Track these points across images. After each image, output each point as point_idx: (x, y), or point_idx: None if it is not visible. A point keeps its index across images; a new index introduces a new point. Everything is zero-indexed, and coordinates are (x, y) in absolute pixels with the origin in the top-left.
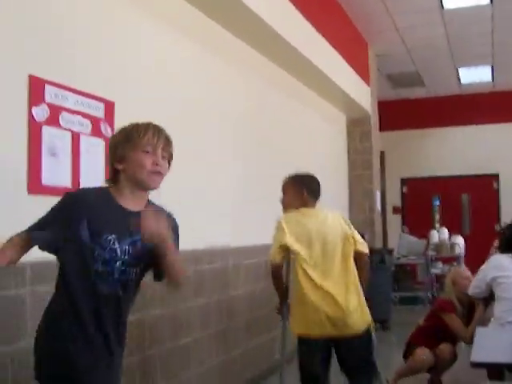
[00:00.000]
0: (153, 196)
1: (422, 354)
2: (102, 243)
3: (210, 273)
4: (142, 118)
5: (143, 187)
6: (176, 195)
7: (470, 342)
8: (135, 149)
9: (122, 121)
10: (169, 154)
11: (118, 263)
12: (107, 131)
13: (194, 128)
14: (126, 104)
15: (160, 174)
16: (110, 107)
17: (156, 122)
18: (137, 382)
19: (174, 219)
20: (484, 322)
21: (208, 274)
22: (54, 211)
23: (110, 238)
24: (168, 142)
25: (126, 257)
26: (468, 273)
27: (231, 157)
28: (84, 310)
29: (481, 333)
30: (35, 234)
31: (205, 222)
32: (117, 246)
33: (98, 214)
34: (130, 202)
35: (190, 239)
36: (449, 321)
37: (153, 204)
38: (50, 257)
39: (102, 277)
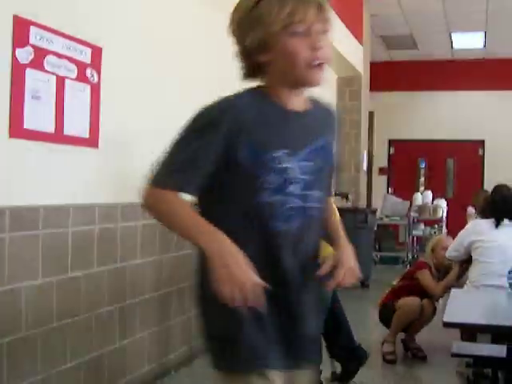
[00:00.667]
0: None
1: (412, 301)
2: (267, 163)
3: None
4: (130, 65)
5: (302, 85)
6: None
7: (439, 296)
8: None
9: (109, 67)
10: (327, 23)
11: (293, 187)
12: (93, 77)
13: (182, 72)
14: (114, 50)
15: (323, 64)
16: (97, 52)
17: (144, 69)
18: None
19: (333, 111)
20: (460, 285)
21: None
22: (193, 143)
23: (278, 154)
24: (322, 7)
25: (306, 176)
26: (449, 243)
27: None
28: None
29: (455, 294)
30: (184, 186)
31: None
32: (289, 164)
33: (256, 125)
34: (289, 100)
35: None
36: (420, 276)
37: (313, 99)
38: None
39: (273, 210)
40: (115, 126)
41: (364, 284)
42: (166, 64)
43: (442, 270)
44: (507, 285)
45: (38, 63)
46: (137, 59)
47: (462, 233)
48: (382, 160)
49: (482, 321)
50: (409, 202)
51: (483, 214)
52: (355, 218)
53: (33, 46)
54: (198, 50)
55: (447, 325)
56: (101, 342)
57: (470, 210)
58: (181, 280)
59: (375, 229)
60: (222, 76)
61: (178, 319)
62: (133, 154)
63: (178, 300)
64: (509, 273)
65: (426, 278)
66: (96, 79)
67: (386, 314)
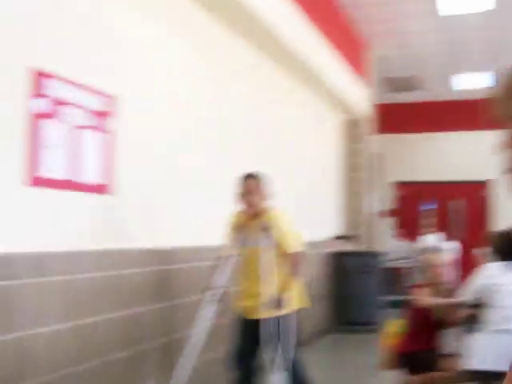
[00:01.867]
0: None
1: None
2: None
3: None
4: (146, 114)
5: None
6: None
7: (435, 308)
8: None
9: (125, 116)
10: None
11: None
12: (109, 126)
13: (199, 122)
14: (130, 99)
15: None
16: (112, 102)
17: (160, 118)
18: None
19: None
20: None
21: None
22: None
23: None
24: None
25: None
26: (438, 261)
27: (227, 155)
28: None
29: (474, 339)
30: None
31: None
32: None
33: None
34: None
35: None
36: (418, 296)
37: None
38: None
39: None
40: (131, 174)
41: (371, 328)
42: (183, 113)
43: (438, 292)
44: None
45: (54, 113)
46: (153, 108)
47: (474, 276)
48: (388, 202)
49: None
50: (416, 245)
51: (495, 256)
52: (364, 261)
53: (49, 97)
54: (215, 100)
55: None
56: None
57: (479, 250)
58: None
59: (382, 272)
60: (235, 134)
61: None
62: (148, 202)
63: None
64: None
65: (421, 294)
66: (112, 128)
67: (409, 362)
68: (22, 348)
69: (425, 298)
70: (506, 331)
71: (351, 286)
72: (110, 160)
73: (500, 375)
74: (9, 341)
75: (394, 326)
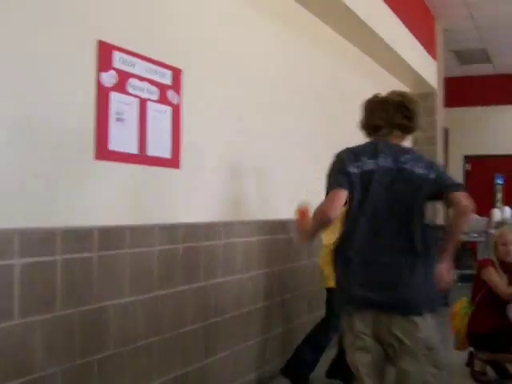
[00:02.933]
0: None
1: None
2: None
3: (274, 243)
4: (209, 87)
5: None
6: (255, 168)
7: (509, 298)
8: None
9: (189, 89)
10: None
11: None
12: (174, 99)
13: (262, 103)
14: (194, 71)
15: None
16: (177, 74)
17: (224, 90)
18: (200, 349)
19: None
20: None
21: (271, 245)
22: None
23: None
24: None
25: None
26: (510, 238)
27: (301, 134)
28: None
29: None
30: None
31: (274, 193)
32: None
33: None
34: None
35: (257, 210)
36: (485, 275)
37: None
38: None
39: None
40: (196, 147)
41: (444, 302)
42: (245, 86)
43: (508, 268)
44: None
45: (121, 86)
46: (216, 80)
47: None
48: (457, 176)
49: None
50: (487, 219)
51: None
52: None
53: (116, 70)
54: (277, 72)
55: None
56: (186, 360)
57: None
58: (262, 299)
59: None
60: (304, 112)
61: (259, 338)
62: (212, 175)
63: (259, 319)
64: None
65: (491, 277)
66: (177, 101)
67: (478, 341)
68: (101, 319)
69: (493, 278)
70: None
71: None
72: (176, 134)
73: None
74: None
75: (461, 304)
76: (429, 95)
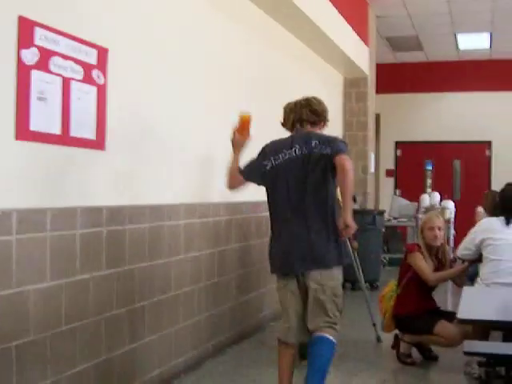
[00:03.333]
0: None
1: (454, 334)
2: None
3: (202, 227)
4: (135, 68)
5: None
6: (178, 148)
7: (433, 284)
8: None
9: (115, 68)
10: None
11: None
12: (99, 78)
13: (188, 84)
14: (121, 51)
15: None
16: (103, 54)
17: (151, 70)
18: (124, 333)
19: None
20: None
21: (200, 228)
22: None
23: None
24: None
25: None
26: (436, 223)
27: (230, 117)
28: None
29: (467, 291)
30: None
31: (201, 175)
32: None
33: None
34: None
35: (184, 192)
36: (412, 260)
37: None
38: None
39: None
40: (122, 127)
41: (373, 286)
42: (173, 65)
43: (433, 253)
44: None
45: (43, 64)
46: (143, 60)
47: (472, 231)
48: (389, 162)
49: (496, 317)
50: (416, 204)
51: (493, 212)
52: (363, 220)
53: (38, 47)
54: (201, 50)
55: (462, 321)
56: (110, 345)
57: (480, 209)
58: (188, 283)
59: (383, 230)
60: (224, 79)
61: (187, 322)
62: (139, 156)
63: (186, 303)
64: None
65: (417, 262)
66: (102, 81)
67: (403, 323)
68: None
69: (419, 263)
70: (502, 284)
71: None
72: (101, 114)
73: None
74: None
75: (390, 287)
76: (361, 81)
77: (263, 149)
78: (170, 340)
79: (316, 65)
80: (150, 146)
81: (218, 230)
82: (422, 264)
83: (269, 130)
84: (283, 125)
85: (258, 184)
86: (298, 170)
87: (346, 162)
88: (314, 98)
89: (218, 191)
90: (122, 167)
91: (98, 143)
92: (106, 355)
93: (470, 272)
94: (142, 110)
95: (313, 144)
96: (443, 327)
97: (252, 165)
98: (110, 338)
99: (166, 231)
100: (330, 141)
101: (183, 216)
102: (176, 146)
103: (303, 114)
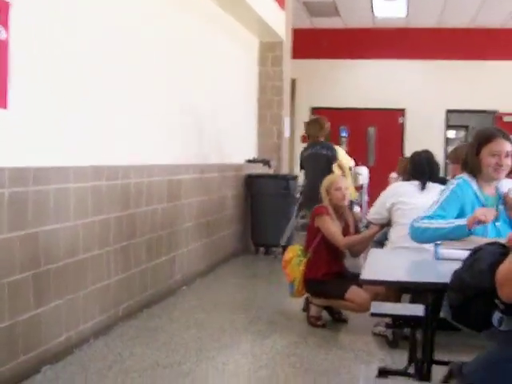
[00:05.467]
0: None
1: (364, 300)
2: None
3: (110, 189)
4: (43, 23)
5: None
6: (92, 110)
7: (344, 249)
8: None
9: (19, 24)
10: None
11: None
12: (1, 33)
13: (98, 40)
14: (25, 6)
15: None
16: (4, 8)
17: (57, 27)
18: (30, 299)
19: None
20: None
21: (108, 191)
22: None
23: None
24: None
25: None
26: (342, 183)
27: (140, 80)
28: None
29: (373, 253)
30: None
31: (109, 137)
32: None
33: None
34: None
35: (92, 154)
36: (320, 224)
37: None
38: None
39: None
40: (27, 85)
41: (285, 249)
42: (81, 22)
43: (340, 214)
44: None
45: None
46: (49, 16)
47: (383, 194)
48: (304, 127)
49: (399, 278)
50: None
51: (407, 176)
52: (277, 185)
53: None
54: (115, 12)
55: (365, 282)
56: (13, 310)
57: (393, 175)
58: (96, 247)
59: (297, 196)
60: (145, 58)
61: (96, 286)
62: (45, 115)
63: (93, 267)
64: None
65: (325, 225)
66: (4, 36)
67: (314, 288)
68: None
69: (329, 227)
70: (409, 248)
71: (266, 208)
72: (3, 71)
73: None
74: None
75: (293, 252)
76: (277, 45)
77: None
78: (77, 304)
79: (231, 28)
80: (57, 106)
81: (127, 193)
82: (331, 228)
83: (176, 91)
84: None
85: None
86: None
87: None
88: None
89: (126, 153)
90: (26, 126)
91: (0, 101)
92: (9, 321)
93: (379, 237)
94: (48, 67)
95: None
96: (354, 293)
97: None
98: (14, 303)
99: (72, 193)
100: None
101: (91, 178)
102: (85, 104)
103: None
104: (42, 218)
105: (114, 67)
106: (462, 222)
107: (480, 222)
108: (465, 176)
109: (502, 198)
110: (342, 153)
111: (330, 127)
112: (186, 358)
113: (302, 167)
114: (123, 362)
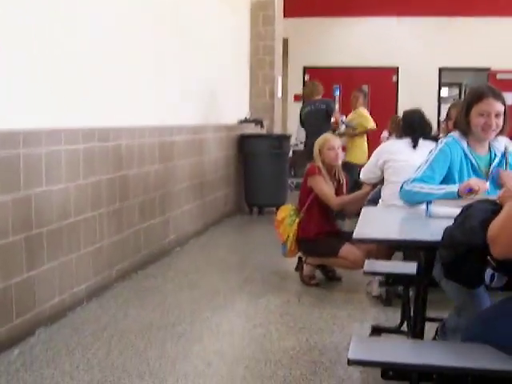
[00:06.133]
0: None
1: (358, 257)
2: None
3: (102, 151)
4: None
5: None
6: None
7: (337, 208)
8: None
9: None
10: None
11: None
12: None
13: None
14: None
15: None
16: None
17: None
18: (23, 261)
19: None
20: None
21: (100, 153)
22: None
23: None
24: None
25: None
26: (335, 142)
27: (128, 41)
28: None
29: (365, 211)
30: None
31: (101, 99)
32: None
33: None
34: None
35: (83, 116)
36: (313, 184)
37: None
38: None
39: None
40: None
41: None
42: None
43: (333, 174)
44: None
45: None
46: None
47: (375, 153)
48: (297, 87)
49: (392, 236)
50: None
51: (399, 134)
52: (270, 144)
53: None
54: None
55: (357, 240)
56: (6, 273)
57: (385, 133)
58: (89, 209)
59: (290, 155)
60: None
61: (89, 249)
62: (34, 76)
63: (86, 230)
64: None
65: (318, 185)
66: None
67: (307, 247)
68: None
69: (322, 187)
70: (401, 206)
71: (259, 168)
72: None
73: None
74: None
75: (285, 211)
76: (268, 4)
77: None
78: (70, 267)
79: None
80: (46, 67)
81: (118, 155)
82: (324, 188)
83: (166, 52)
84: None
85: None
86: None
87: None
88: None
89: (117, 115)
90: (15, 88)
91: None
92: (2, 283)
93: (373, 195)
94: (33, 27)
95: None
96: (348, 250)
97: None
98: (6, 266)
99: (63, 156)
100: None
101: (82, 140)
102: (74, 66)
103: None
104: (33, 181)
105: (103, 28)
106: (454, 188)
107: (472, 190)
108: (455, 135)
109: (495, 174)
110: (363, 113)
111: (323, 89)
112: (181, 319)
113: (302, 123)
114: (117, 323)
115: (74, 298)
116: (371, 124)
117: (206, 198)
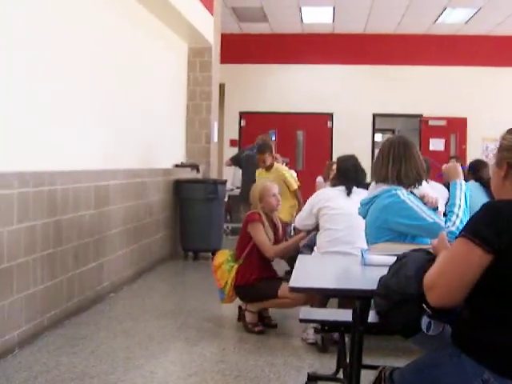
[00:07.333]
0: None
1: (298, 298)
2: None
3: (37, 196)
4: None
5: None
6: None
7: (273, 258)
8: None
9: None
10: None
11: None
12: None
13: (16, 43)
14: None
15: None
16: None
17: None
18: None
19: None
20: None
21: (34, 197)
22: None
23: None
24: None
25: None
26: (275, 189)
27: (63, 83)
28: None
29: (301, 259)
30: None
31: (34, 143)
32: None
33: None
34: None
35: (17, 159)
36: (253, 231)
37: None
38: None
39: None
40: None
41: (214, 254)
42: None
43: (271, 221)
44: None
45: None
46: None
47: (310, 200)
48: (233, 132)
49: (328, 285)
50: None
51: (334, 182)
52: (205, 189)
53: None
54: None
55: (293, 289)
56: None
57: (320, 179)
58: (22, 254)
59: (226, 200)
60: (71, 61)
61: (21, 295)
62: None
63: (19, 275)
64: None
65: (257, 234)
66: None
67: (246, 293)
68: None
69: (259, 236)
70: (337, 253)
71: (195, 213)
72: None
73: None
74: None
75: (222, 257)
76: (205, 50)
77: None
78: (2, 314)
79: (160, 33)
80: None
81: (53, 200)
82: (262, 237)
83: (101, 95)
84: None
85: None
86: None
87: None
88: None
89: (52, 159)
90: None
91: None
92: None
93: (308, 241)
94: None
95: None
96: (287, 290)
97: None
98: None
99: None
100: None
101: (17, 185)
102: (7, 109)
103: None
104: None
105: (36, 70)
106: None
107: None
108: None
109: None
110: (288, 174)
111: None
112: (114, 368)
113: (240, 166)
114: (49, 372)
115: (5, 345)
116: (294, 186)
117: (140, 242)
